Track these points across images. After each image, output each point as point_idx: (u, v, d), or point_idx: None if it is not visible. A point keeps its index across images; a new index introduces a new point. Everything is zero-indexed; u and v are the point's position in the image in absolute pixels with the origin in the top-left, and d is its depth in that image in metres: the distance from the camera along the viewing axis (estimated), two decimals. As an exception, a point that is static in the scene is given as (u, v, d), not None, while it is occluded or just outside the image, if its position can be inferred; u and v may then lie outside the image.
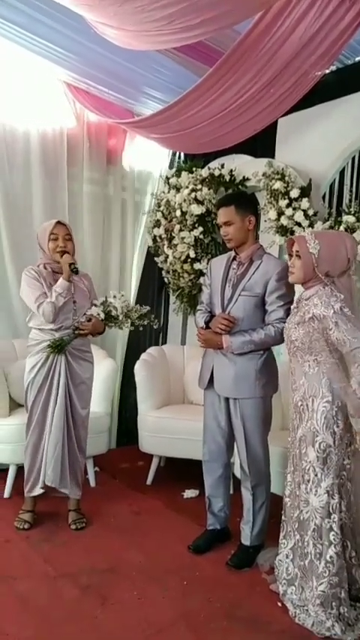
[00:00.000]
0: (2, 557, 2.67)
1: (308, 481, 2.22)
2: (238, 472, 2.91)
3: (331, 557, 2.15)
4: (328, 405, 2.19)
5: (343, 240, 2.28)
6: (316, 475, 2.20)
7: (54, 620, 2.20)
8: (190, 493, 3.55)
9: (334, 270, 2.24)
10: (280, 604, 2.34)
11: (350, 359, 2.13)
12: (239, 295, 2.64)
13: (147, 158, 4.78)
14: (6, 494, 3.34)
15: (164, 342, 4.81)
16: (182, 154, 4.75)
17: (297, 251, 2.27)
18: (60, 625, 2.17)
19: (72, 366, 2.98)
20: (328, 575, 2.15)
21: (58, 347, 2.90)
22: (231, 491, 3.05)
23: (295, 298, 2.52)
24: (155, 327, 3.32)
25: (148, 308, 3.17)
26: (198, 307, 2.94)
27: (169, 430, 3.59)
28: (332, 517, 2.17)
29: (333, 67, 3.64)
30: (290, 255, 2.34)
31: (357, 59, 3.61)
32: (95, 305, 3.02)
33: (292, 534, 2.34)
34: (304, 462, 2.25)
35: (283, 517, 2.42)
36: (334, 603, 2.15)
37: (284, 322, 2.50)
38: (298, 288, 2.68)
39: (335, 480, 2.19)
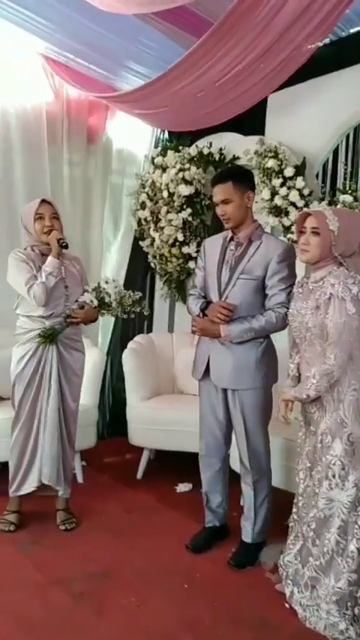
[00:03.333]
0: (-13, 564, 2.49)
1: (333, 476, 2.06)
2: (235, 466, 2.75)
3: (352, 551, 2.02)
4: (356, 393, 2.05)
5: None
6: (343, 469, 2.05)
7: (46, 632, 2.03)
8: (183, 487, 3.39)
9: (348, 249, 2.10)
10: (287, 605, 2.20)
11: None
12: (237, 279, 2.46)
13: (129, 137, 4.57)
14: (-11, 494, 3.14)
15: (149, 330, 4.61)
16: (166, 133, 4.53)
17: (314, 227, 2.11)
18: (53, 637, 2.00)
19: (64, 356, 2.77)
20: (347, 571, 2.02)
21: (49, 336, 2.68)
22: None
23: (298, 281, 2.36)
24: (146, 313, 3.15)
25: (140, 294, 2.97)
26: (190, 292, 2.73)
27: (160, 422, 3.42)
28: (358, 510, 2.04)
29: (327, 40, 3.47)
30: (301, 232, 2.18)
31: (352, 31, 3.45)
32: (87, 291, 2.81)
33: (302, 535, 2.20)
34: (328, 457, 2.09)
35: (294, 517, 2.28)
36: (349, 603, 2.02)
37: (286, 307, 2.35)
38: (299, 272, 2.53)
39: None
